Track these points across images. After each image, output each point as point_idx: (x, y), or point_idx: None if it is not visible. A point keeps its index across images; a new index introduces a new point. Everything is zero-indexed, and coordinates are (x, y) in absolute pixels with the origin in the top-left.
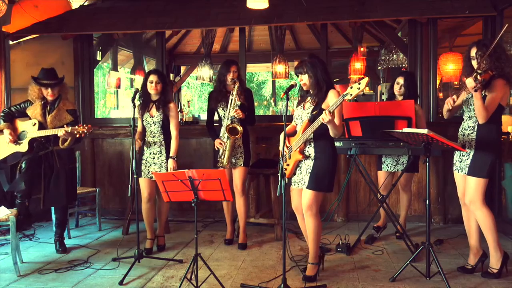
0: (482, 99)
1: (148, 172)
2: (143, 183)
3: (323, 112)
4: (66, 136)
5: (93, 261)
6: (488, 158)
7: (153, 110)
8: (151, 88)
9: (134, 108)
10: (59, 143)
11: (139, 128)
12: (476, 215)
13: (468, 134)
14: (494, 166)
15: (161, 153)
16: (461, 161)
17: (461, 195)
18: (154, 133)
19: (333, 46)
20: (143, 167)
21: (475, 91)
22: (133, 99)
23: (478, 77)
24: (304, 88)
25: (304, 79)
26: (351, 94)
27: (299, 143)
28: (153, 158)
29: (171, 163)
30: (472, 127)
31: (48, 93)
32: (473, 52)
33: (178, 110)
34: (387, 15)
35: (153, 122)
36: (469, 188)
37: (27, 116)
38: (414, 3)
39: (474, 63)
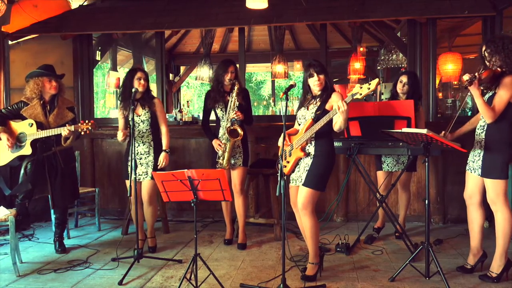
0: (482, 97)
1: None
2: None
3: (339, 101)
4: (69, 134)
5: (93, 261)
6: (497, 158)
7: (139, 109)
8: (139, 85)
9: (133, 108)
10: (62, 141)
11: (120, 126)
12: (495, 216)
13: (479, 133)
14: (506, 166)
15: (149, 153)
16: (473, 162)
17: (467, 196)
18: (143, 132)
19: (332, 46)
20: (129, 169)
21: (465, 87)
22: (132, 99)
23: (476, 73)
24: (319, 88)
25: (322, 79)
26: (361, 94)
27: (301, 141)
28: (140, 159)
29: (162, 156)
30: (483, 126)
31: (52, 86)
32: (483, 50)
33: (178, 110)
34: (386, 15)
35: (141, 121)
36: (488, 190)
37: (21, 118)
38: (413, 3)
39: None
